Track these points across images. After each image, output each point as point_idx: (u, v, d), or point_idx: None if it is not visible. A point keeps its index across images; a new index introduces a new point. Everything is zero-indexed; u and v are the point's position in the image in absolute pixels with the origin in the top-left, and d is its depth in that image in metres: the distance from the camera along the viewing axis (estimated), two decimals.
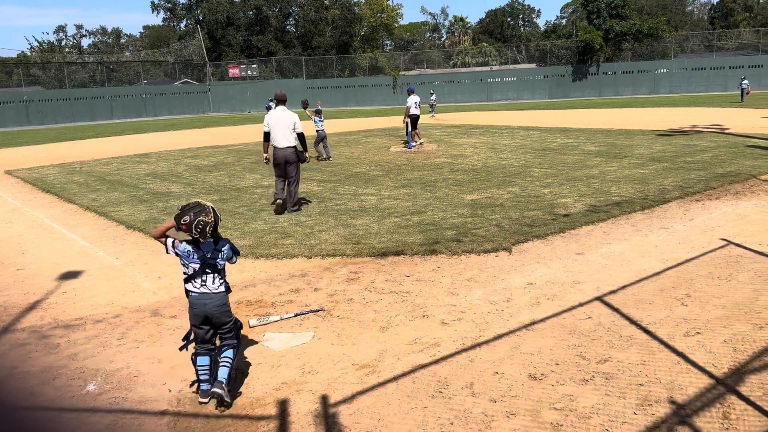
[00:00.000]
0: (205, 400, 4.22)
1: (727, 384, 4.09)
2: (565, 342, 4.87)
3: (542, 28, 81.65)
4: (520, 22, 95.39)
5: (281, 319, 5.65)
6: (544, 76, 57.01)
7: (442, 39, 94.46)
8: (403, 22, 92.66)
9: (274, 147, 10.07)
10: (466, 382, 4.30)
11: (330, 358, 4.83)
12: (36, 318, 6.08)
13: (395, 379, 4.42)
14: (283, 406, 4.15)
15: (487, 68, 61.58)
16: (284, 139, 9.98)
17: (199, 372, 4.29)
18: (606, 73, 55.12)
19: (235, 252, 4.40)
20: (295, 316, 5.72)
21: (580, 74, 55.40)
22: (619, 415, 3.79)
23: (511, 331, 5.13)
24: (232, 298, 6.30)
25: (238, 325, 4.48)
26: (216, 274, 4.25)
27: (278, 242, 8.32)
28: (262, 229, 9.12)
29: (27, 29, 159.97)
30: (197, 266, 4.19)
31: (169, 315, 5.96)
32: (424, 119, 28.89)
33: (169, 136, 30.58)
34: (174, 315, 5.94)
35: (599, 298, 5.77)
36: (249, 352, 5.03)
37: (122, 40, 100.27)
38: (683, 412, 3.78)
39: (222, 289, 4.29)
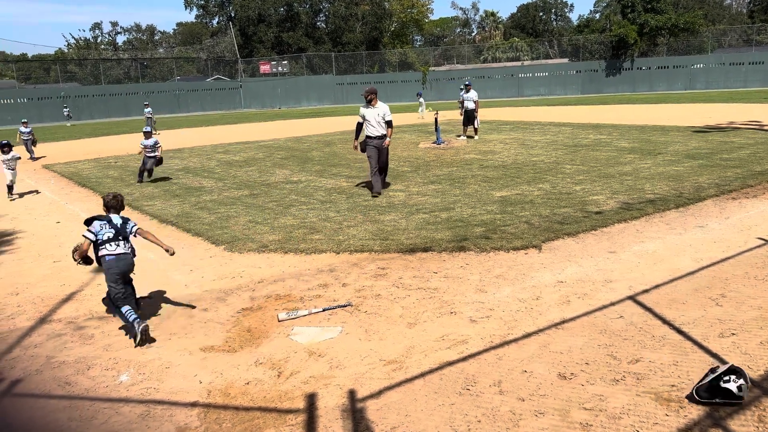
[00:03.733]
0: (142, 326, 5.24)
1: (763, 387, 3.98)
2: (595, 341, 4.80)
3: (575, 23, 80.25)
4: (553, 16, 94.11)
5: (309, 314, 5.68)
6: (577, 72, 56.17)
7: (473, 34, 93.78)
8: (434, 17, 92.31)
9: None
10: (494, 380, 4.27)
11: (357, 353, 4.84)
12: (72, 309, 6.23)
13: (423, 375, 4.41)
14: (311, 399, 4.19)
15: (518, 63, 60.95)
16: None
17: (128, 315, 5.35)
18: (640, 69, 54.07)
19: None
20: (323, 311, 5.75)
21: (613, 69, 54.44)
22: (650, 416, 3.73)
23: (541, 330, 5.08)
24: (262, 291, 6.38)
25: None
26: (126, 241, 5.65)
27: (307, 237, 8.38)
28: (291, 224, 9.19)
29: (64, 26, 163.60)
30: (111, 234, 5.58)
31: (201, 308, 6.05)
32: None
33: (202, 131, 31.00)
34: (206, 308, 6.03)
35: (631, 298, 5.68)
36: (277, 346, 5.08)
37: (156, 37, 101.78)
38: (717, 415, 3.70)
39: (129, 251, 5.67)
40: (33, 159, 20.79)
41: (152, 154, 14.12)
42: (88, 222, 5.73)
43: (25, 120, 22.59)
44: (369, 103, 11.09)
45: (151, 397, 4.36)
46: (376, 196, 10.93)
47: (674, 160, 13.27)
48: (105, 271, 5.56)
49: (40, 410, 4.24)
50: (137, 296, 5.83)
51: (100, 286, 6.91)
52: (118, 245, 5.58)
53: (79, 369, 4.86)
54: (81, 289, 6.83)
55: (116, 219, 5.72)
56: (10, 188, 13.39)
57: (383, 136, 11.11)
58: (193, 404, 4.23)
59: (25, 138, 21.06)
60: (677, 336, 4.82)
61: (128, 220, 5.84)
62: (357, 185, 12.14)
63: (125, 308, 5.41)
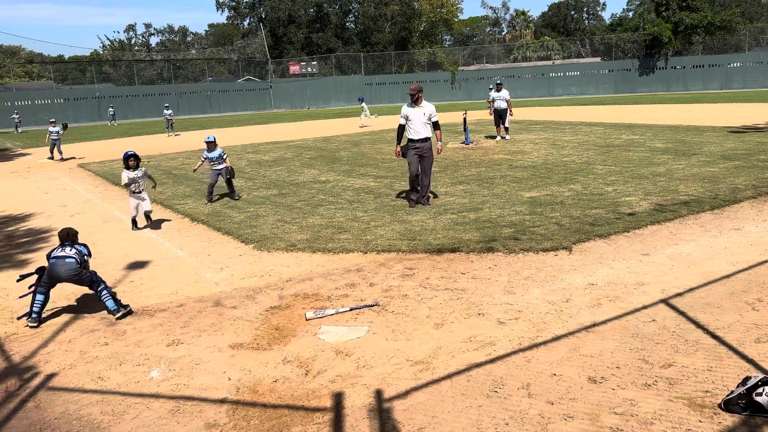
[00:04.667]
0: (35, 324, 5.85)
1: None
2: (627, 345, 4.72)
3: (608, 21, 79.04)
4: (585, 15, 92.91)
5: (337, 313, 5.70)
6: (609, 71, 55.39)
7: (503, 33, 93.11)
8: (463, 16, 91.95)
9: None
10: (522, 383, 4.23)
11: (384, 353, 4.84)
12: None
13: (450, 376, 4.39)
14: (338, 398, 4.20)
15: (549, 62, 60.31)
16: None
17: (36, 304, 5.88)
18: (675, 68, 53.07)
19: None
20: (351, 310, 5.76)
21: (647, 68, 53.54)
22: (683, 422, 3.65)
23: (571, 333, 5.01)
24: (290, 289, 6.42)
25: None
26: (71, 247, 6.08)
27: (335, 237, 8.40)
28: (319, 224, 9.23)
29: (99, 28, 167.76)
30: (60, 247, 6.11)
31: (231, 306, 6.11)
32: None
33: (232, 132, 31.35)
34: (235, 306, 6.09)
35: (664, 301, 5.56)
36: (305, 345, 5.11)
37: (188, 38, 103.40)
38: (753, 422, 3.60)
39: (75, 256, 5.99)
40: (62, 159, 21.20)
41: (220, 167, 11.54)
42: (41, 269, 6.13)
43: (53, 119, 22.79)
44: (414, 101, 9.85)
45: (181, 393, 4.42)
46: (416, 205, 9.93)
47: (709, 161, 12.98)
48: (48, 271, 5.96)
49: (73, 404, 4.33)
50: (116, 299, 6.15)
51: (132, 283, 7.05)
52: (63, 249, 6.03)
53: (111, 364, 4.95)
54: (114, 286, 6.96)
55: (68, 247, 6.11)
56: (135, 221, 9.79)
57: (427, 140, 9.86)
58: (222, 401, 4.27)
59: (54, 138, 21.31)
60: (711, 341, 4.71)
61: (81, 246, 6.24)
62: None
63: (40, 297, 5.91)
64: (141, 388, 4.52)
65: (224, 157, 11.67)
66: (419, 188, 10.02)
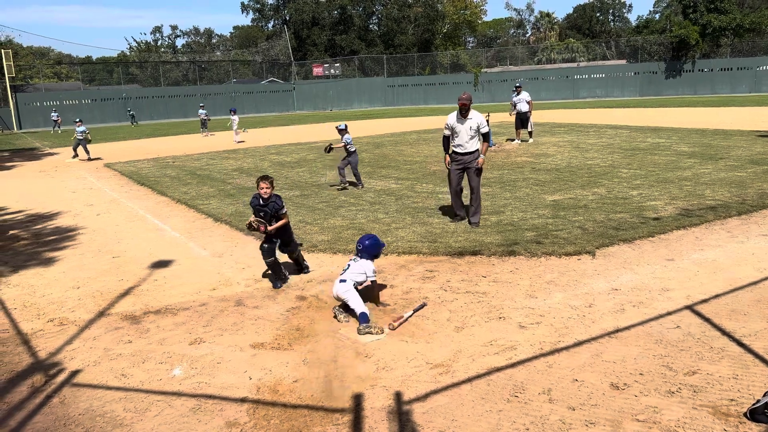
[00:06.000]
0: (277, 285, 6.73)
1: None
2: (650, 351, 4.65)
3: (634, 23, 78.04)
4: (610, 17, 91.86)
5: (407, 318, 5.59)
6: (635, 73, 54.65)
7: (527, 35, 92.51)
8: (487, 18, 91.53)
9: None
10: (543, 388, 4.19)
11: (404, 355, 4.83)
12: (129, 303, 6.44)
13: (470, 380, 4.37)
14: (357, 400, 4.20)
15: (574, 64, 59.75)
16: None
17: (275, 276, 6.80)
18: (702, 70, 52.18)
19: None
20: (413, 313, 5.64)
21: (673, 71, 52.72)
22: (707, 430, 3.59)
23: (593, 338, 4.95)
24: (311, 290, 6.43)
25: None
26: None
27: (356, 238, 8.38)
28: (340, 225, 9.26)
29: (126, 30, 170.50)
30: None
31: (252, 305, 6.15)
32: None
33: (255, 133, 31.58)
34: (257, 305, 6.14)
35: (689, 307, 5.48)
36: (325, 345, 5.12)
37: (213, 40, 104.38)
38: None
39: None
40: (89, 159, 21.49)
41: (353, 149, 12.53)
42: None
43: (80, 119, 23.06)
44: (462, 113, 8.67)
45: (203, 391, 4.46)
46: (461, 220, 9.14)
47: (737, 166, 12.75)
48: None
49: (97, 400, 4.40)
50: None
51: (156, 282, 7.14)
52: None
53: (134, 362, 5.02)
54: (138, 284, 7.05)
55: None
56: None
57: (474, 153, 8.83)
58: (243, 400, 4.30)
59: (79, 138, 21.54)
60: (737, 348, 4.62)
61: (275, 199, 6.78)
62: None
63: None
64: (163, 385, 4.58)
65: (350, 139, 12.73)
66: (471, 204, 9.03)
